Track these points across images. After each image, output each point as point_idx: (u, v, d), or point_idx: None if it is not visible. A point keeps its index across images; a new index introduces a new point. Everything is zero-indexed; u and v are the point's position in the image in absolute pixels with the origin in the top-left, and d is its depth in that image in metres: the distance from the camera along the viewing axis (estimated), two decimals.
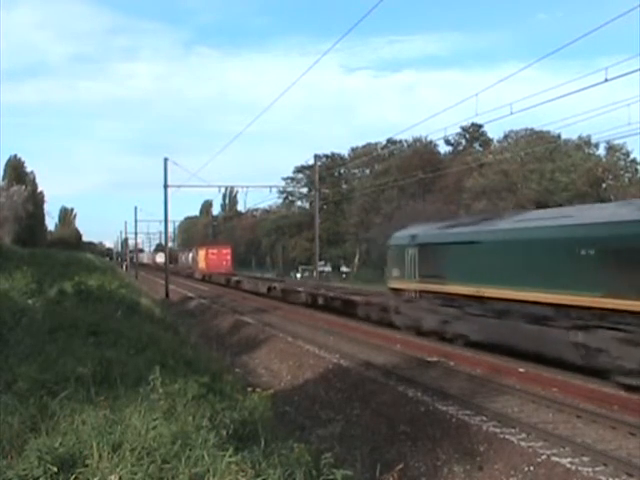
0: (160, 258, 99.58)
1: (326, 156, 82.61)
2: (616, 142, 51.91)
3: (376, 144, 79.92)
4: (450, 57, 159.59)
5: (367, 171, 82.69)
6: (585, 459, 9.47)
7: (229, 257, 69.59)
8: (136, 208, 78.36)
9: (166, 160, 42.15)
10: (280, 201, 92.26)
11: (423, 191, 65.79)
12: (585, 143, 58.56)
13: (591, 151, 61.40)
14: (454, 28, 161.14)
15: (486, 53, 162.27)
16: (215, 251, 70.51)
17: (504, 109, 23.25)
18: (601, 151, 61.18)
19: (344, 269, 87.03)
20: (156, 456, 4.71)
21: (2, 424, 5.41)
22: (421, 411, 12.48)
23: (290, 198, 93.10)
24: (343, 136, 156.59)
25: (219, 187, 46.85)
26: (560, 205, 59.32)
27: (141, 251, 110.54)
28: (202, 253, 72.50)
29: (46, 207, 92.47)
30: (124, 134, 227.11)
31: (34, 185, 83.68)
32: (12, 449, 4.93)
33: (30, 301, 16.12)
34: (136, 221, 79.32)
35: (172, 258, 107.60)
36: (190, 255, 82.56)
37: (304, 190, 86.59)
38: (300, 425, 12.05)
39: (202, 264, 71.22)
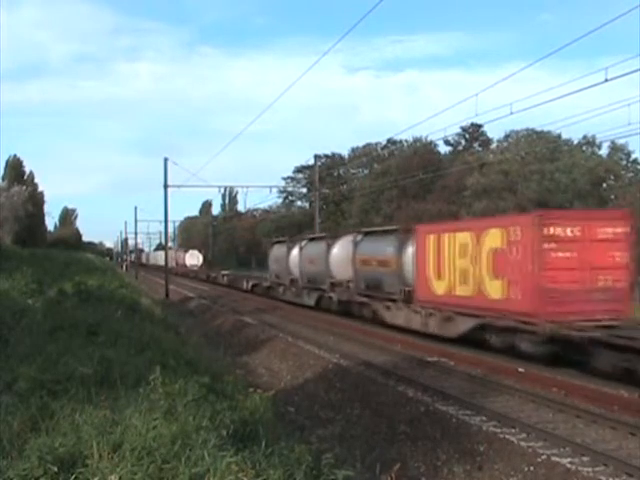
0: (193, 259, 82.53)
1: (326, 156, 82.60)
2: (618, 142, 51.95)
3: (376, 144, 79.98)
4: (453, 57, 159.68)
5: (367, 171, 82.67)
6: (585, 459, 9.47)
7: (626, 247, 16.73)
8: (136, 208, 78.22)
9: (166, 160, 42.14)
10: (280, 201, 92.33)
11: (423, 191, 65.78)
12: (587, 143, 58.56)
13: (593, 151, 61.39)
14: (457, 28, 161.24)
15: (489, 53, 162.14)
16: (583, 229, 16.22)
17: (504, 109, 23.25)
18: (603, 151, 61.10)
19: None
20: (156, 456, 4.72)
21: (2, 424, 5.41)
22: (421, 411, 12.48)
23: (290, 198, 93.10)
24: (345, 136, 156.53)
25: (219, 187, 47.18)
26: (561, 205, 59.42)
27: (141, 251, 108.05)
28: (452, 240, 19.59)
29: (46, 207, 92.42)
30: (124, 134, 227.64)
31: (34, 185, 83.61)
32: (12, 449, 4.94)
33: (30, 301, 16.17)
34: (136, 221, 79.10)
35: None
36: (348, 250, 27.35)
37: (304, 190, 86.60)
38: (300, 425, 12.04)
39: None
